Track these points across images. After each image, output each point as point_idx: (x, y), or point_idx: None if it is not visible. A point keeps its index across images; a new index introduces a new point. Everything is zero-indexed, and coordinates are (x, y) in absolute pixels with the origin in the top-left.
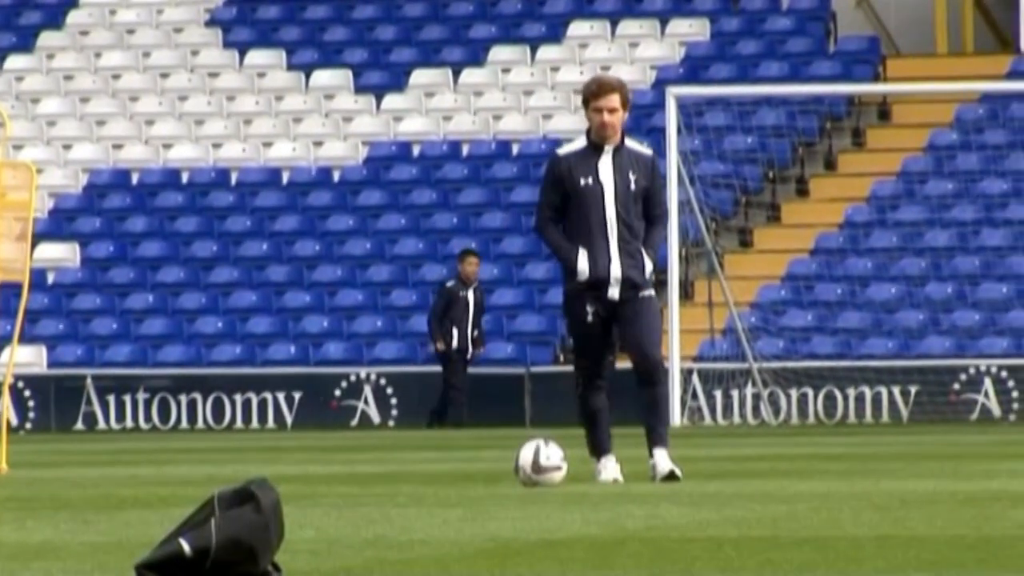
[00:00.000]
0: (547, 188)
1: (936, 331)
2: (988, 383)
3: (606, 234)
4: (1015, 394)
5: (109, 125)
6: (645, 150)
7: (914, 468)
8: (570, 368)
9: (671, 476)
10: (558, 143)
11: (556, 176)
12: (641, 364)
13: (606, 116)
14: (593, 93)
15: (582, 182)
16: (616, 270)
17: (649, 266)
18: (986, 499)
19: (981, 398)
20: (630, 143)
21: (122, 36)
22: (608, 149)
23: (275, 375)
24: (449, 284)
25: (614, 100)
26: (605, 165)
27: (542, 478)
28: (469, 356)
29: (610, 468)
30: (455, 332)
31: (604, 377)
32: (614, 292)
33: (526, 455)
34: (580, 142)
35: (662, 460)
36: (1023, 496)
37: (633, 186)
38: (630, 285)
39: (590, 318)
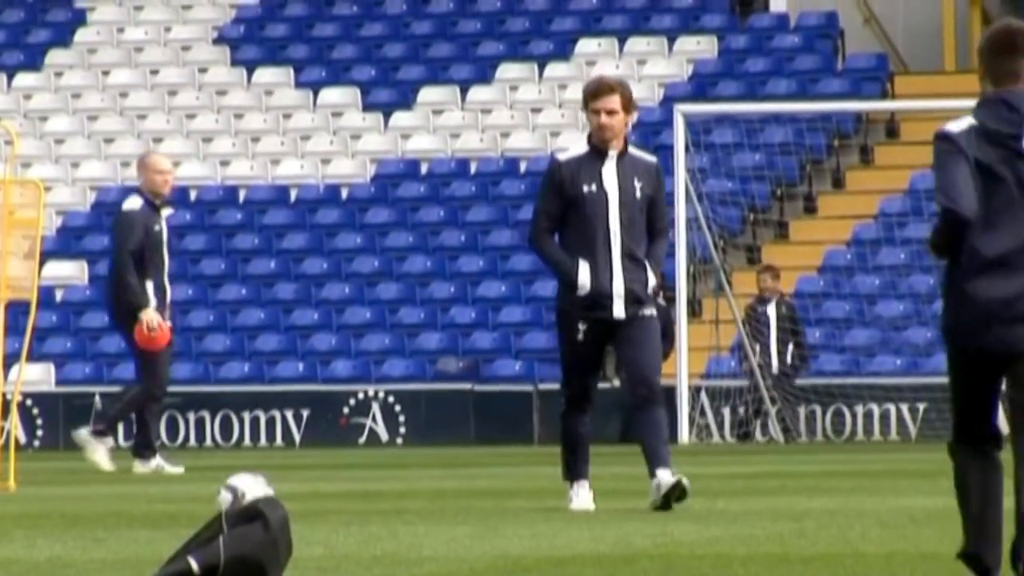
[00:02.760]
0: (546, 196)
1: (944, 348)
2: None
3: (609, 245)
4: None
5: (117, 143)
6: (649, 157)
7: (923, 485)
8: None
9: (677, 487)
10: None
11: (556, 183)
12: (640, 389)
13: (603, 118)
14: (592, 93)
15: (585, 189)
16: (619, 284)
17: (652, 280)
18: None
19: None
20: (634, 149)
21: (130, 54)
22: (612, 154)
23: (283, 393)
24: (747, 301)
25: (613, 101)
26: (609, 171)
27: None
28: (778, 372)
29: (583, 496)
30: (757, 349)
31: (591, 400)
32: (618, 309)
33: (225, 497)
34: (581, 147)
35: (665, 476)
36: None
37: (638, 194)
38: (633, 300)
39: (581, 336)
